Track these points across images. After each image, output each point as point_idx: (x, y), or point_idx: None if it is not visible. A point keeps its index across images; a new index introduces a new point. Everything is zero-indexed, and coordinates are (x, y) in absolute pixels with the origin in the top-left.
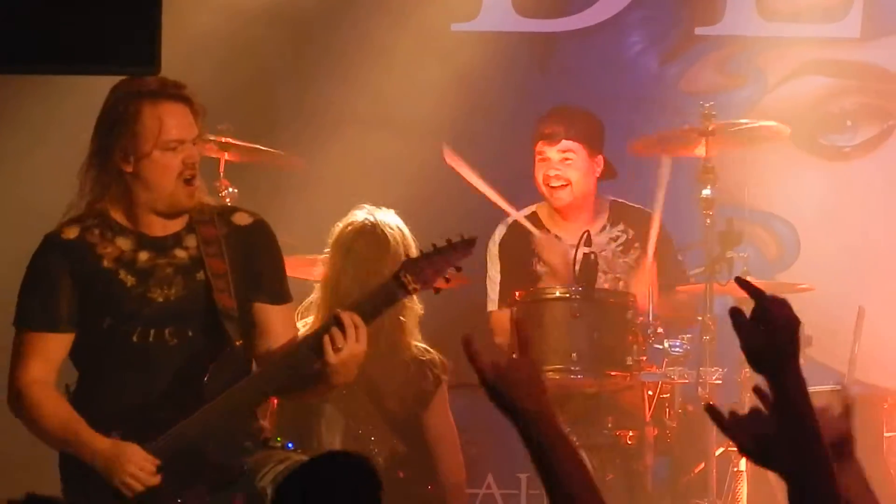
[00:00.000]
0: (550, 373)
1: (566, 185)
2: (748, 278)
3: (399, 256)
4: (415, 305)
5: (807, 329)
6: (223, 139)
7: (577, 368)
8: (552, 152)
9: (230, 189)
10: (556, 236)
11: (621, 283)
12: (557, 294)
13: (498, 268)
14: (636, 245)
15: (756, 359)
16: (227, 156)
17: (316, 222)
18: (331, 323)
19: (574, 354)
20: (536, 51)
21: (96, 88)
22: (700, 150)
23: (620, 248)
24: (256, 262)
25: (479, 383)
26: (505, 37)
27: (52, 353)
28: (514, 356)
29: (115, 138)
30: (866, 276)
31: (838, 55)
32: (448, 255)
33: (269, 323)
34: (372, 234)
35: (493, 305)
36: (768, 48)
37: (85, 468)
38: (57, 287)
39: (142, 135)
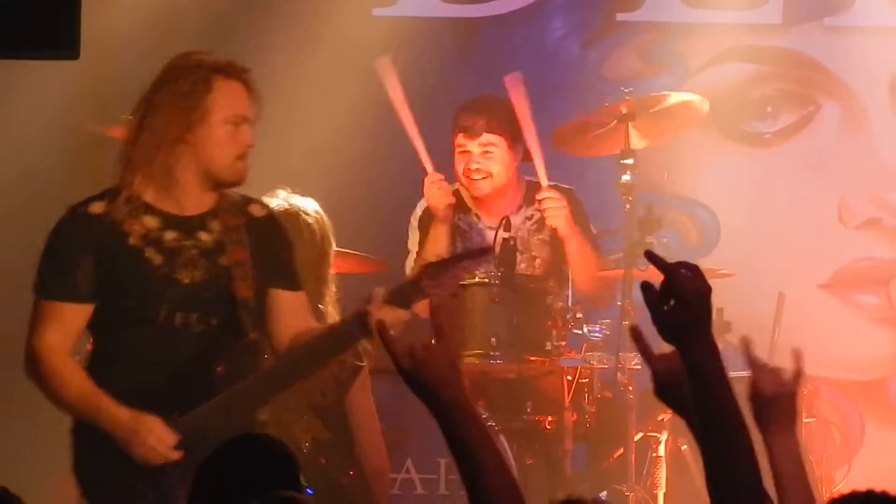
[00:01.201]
0: (470, 358)
1: (486, 178)
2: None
3: (315, 243)
4: (331, 290)
5: (726, 315)
6: None
7: (497, 353)
8: (473, 146)
9: None
10: (476, 215)
11: (538, 261)
12: (477, 279)
13: (417, 240)
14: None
15: (668, 330)
16: None
17: None
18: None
19: (493, 339)
20: (458, 36)
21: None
22: (627, 141)
23: (535, 225)
24: (272, 251)
25: (395, 369)
26: (427, 22)
27: (69, 322)
28: (431, 342)
29: (181, 108)
30: (787, 262)
31: (759, 41)
32: (466, 262)
33: (285, 308)
34: (286, 220)
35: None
36: (690, 34)
37: (100, 439)
38: (78, 258)
39: (212, 106)
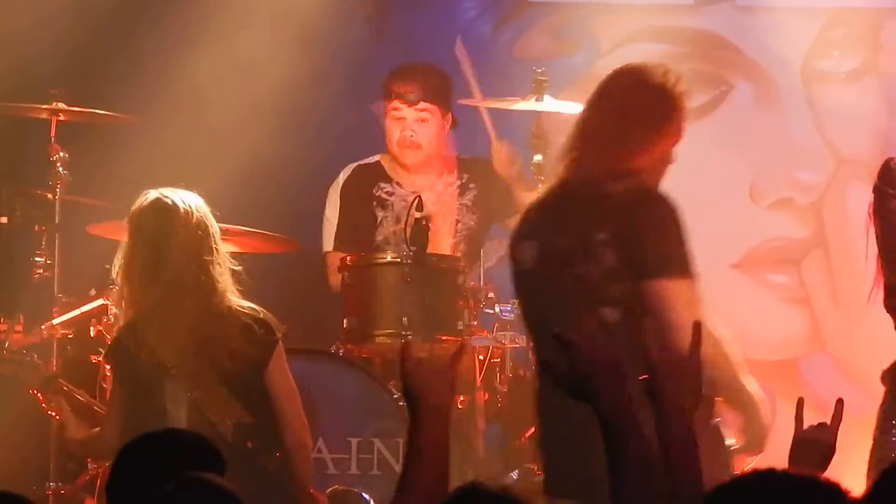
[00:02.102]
0: (381, 337)
1: (419, 147)
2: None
3: (194, 235)
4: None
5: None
6: (55, 104)
7: (409, 333)
8: (409, 112)
9: (61, 154)
10: (398, 183)
11: (460, 225)
12: (389, 259)
13: (337, 210)
14: (471, 186)
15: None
16: (60, 117)
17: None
18: None
19: (405, 319)
20: (372, 14)
21: None
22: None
23: (457, 190)
24: None
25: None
26: (340, 2)
27: None
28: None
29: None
30: (698, 241)
31: (672, 21)
32: None
33: None
34: (163, 211)
35: (328, 246)
36: (602, 14)
37: None
38: None
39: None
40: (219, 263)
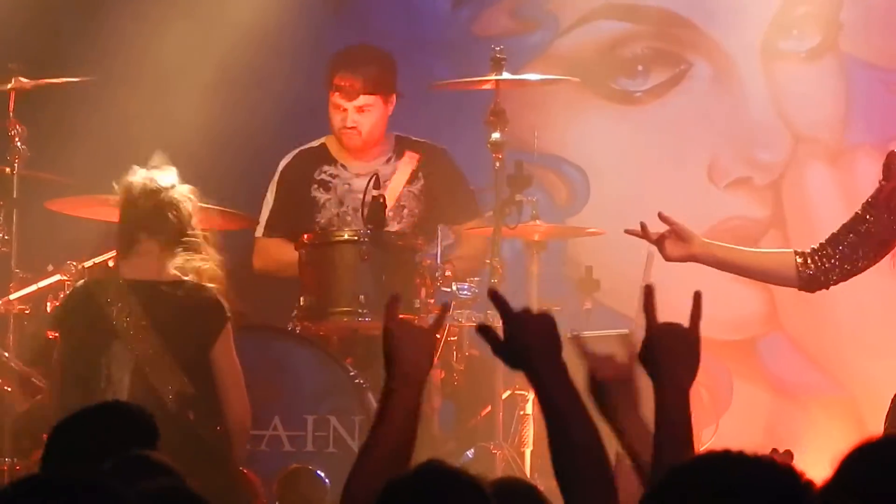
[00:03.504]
0: (339, 315)
1: (360, 133)
2: (537, 222)
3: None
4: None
5: (595, 273)
6: (13, 79)
7: (365, 311)
8: (349, 105)
9: (18, 128)
10: (343, 165)
11: (405, 211)
12: (346, 237)
13: (274, 193)
14: (420, 175)
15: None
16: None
17: (102, 162)
18: None
19: (362, 297)
20: None
21: None
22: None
23: (406, 176)
24: None
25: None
26: None
27: None
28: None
29: None
30: (656, 220)
31: (631, 0)
32: None
33: None
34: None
35: (259, 231)
36: None
37: None
38: None
39: None
40: (192, 242)
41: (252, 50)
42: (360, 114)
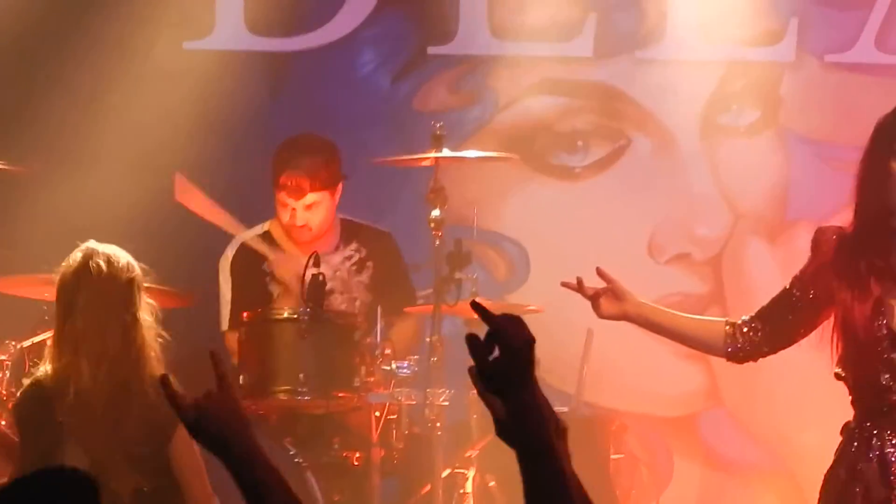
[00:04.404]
0: (278, 394)
1: (310, 229)
2: (478, 299)
3: (131, 292)
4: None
5: (536, 351)
6: None
7: (305, 389)
8: (297, 204)
9: None
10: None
11: (358, 303)
12: (286, 315)
13: (230, 286)
14: (368, 264)
15: (494, 381)
16: None
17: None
18: None
19: (301, 375)
20: (270, 69)
21: None
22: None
23: (354, 266)
24: None
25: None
26: (239, 56)
27: None
28: (212, 391)
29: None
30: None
31: (570, 74)
32: None
33: None
34: (97, 273)
35: (225, 325)
36: (501, 67)
37: None
38: None
39: None
40: (141, 325)
41: (190, 128)
42: (308, 211)
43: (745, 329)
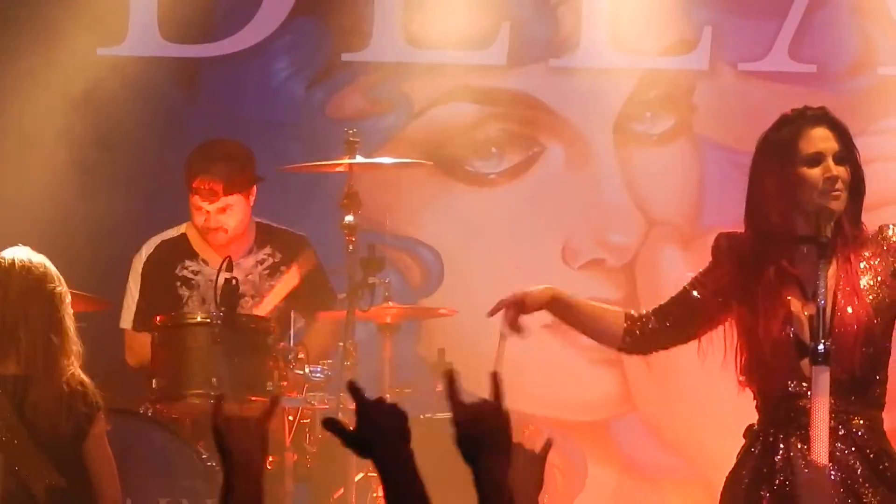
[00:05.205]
0: (191, 398)
1: (225, 231)
2: (390, 304)
3: (48, 293)
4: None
5: (449, 355)
6: None
7: (217, 394)
8: (210, 207)
9: None
10: (204, 260)
11: (270, 307)
12: (199, 319)
13: (139, 286)
14: (282, 268)
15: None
16: None
17: None
18: None
19: (214, 380)
20: (184, 76)
21: None
22: (351, 184)
23: (267, 271)
24: None
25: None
26: (153, 62)
27: None
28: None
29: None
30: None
31: (485, 82)
32: None
33: None
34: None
35: (126, 324)
36: (415, 75)
37: None
38: None
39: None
40: (61, 327)
41: (108, 132)
42: (222, 214)
43: (640, 324)
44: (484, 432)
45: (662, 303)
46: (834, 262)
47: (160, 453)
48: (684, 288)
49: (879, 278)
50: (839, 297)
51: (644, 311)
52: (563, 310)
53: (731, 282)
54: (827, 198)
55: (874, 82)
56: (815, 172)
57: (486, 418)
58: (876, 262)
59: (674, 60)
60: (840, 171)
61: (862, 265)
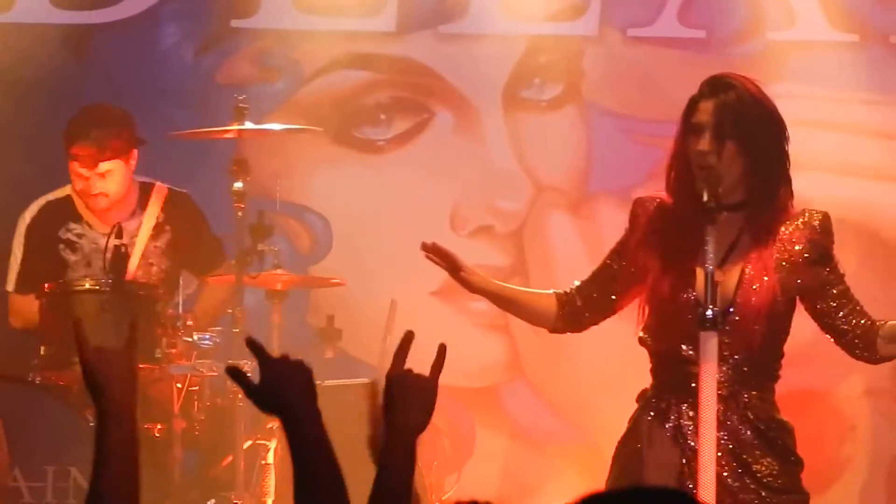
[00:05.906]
0: (77, 365)
1: (105, 196)
2: (279, 271)
3: None
4: None
5: (338, 322)
6: None
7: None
8: (90, 174)
9: None
10: (88, 224)
11: (154, 268)
12: (87, 286)
13: (22, 247)
14: (166, 227)
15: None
16: None
17: None
18: None
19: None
20: (74, 43)
21: None
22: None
23: (151, 232)
24: None
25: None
26: (41, 29)
27: None
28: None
29: None
30: (398, 269)
31: (374, 49)
32: None
33: None
34: None
35: (10, 286)
36: (304, 41)
37: None
38: None
39: None
40: None
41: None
42: (101, 179)
43: (570, 300)
44: (409, 393)
45: (585, 279)
46: (749, 233)
47: (47, 421)
48: (603, 261)
49: (792, 258)
50: (749, 269)
51: (569, 290)
52: (494, 294)
53: (645, 244)
54: (698, 169)
55: (763, 47)
56: (692, 142)
57: (414, 381)
58: (791, 243)
59: (563, 26)
60: (713, 144)
61: (778, 243)
